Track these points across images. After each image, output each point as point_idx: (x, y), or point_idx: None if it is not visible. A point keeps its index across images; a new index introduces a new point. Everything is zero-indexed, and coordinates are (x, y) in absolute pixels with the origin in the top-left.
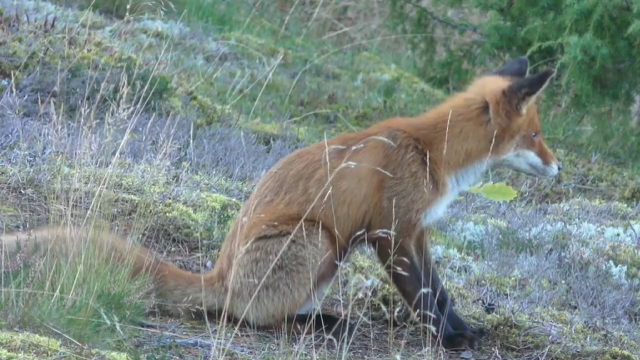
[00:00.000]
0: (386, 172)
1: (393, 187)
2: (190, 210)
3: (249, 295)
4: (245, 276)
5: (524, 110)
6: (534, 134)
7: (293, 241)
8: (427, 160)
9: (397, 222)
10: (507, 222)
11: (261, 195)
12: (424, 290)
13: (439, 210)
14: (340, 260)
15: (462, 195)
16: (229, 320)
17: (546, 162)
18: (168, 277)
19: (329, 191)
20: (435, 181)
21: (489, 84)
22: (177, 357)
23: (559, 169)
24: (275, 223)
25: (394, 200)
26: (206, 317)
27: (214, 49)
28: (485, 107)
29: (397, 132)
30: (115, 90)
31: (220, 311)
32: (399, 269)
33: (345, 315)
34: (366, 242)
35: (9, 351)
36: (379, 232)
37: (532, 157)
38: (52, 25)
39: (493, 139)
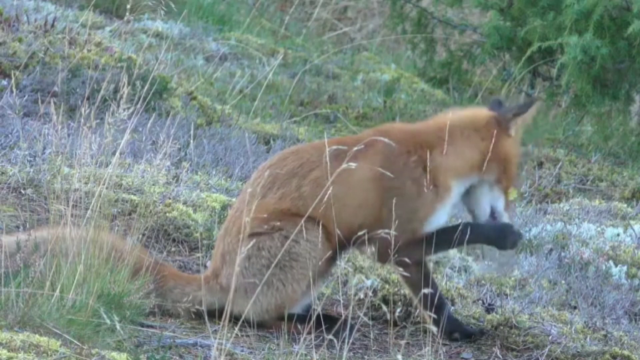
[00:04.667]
0: (384, 182)
1: (392, 198)
2: (190, 210)
3: (244, 292)
4: (240, 273)
5: (512, 131)
6: (507, 181)
7: (286, 237)
8: (428, 166)
9: (401, 233)
10: None
11: (253, 193)
12: (425, 290)
13: (442, 217)
14: (339, 259)
15: None
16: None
17: (505, 207)
18: (168, 277)
19: (322, 192)
20: (436, 187)
21: (482, 109)
22: (177, 357)
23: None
24: (270, 221)
25: (394, 211)
26: (206, 317)
27: (214, 49)
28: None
29: (393, 145)
30: (115, 91)
31: (218, 310)
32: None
33: (346, 316)
34: (366, 242)
35: (9, 351)
36: (380, 232)
37: (499, 193)
38: (52, 25)
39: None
